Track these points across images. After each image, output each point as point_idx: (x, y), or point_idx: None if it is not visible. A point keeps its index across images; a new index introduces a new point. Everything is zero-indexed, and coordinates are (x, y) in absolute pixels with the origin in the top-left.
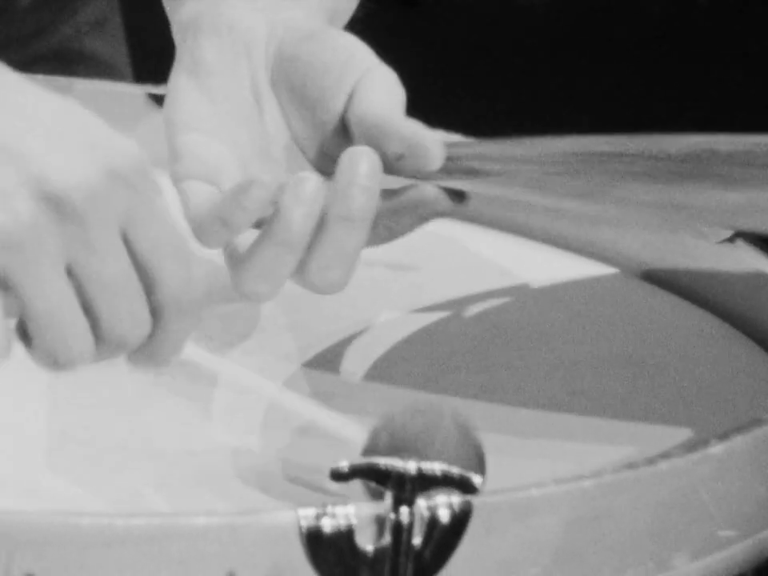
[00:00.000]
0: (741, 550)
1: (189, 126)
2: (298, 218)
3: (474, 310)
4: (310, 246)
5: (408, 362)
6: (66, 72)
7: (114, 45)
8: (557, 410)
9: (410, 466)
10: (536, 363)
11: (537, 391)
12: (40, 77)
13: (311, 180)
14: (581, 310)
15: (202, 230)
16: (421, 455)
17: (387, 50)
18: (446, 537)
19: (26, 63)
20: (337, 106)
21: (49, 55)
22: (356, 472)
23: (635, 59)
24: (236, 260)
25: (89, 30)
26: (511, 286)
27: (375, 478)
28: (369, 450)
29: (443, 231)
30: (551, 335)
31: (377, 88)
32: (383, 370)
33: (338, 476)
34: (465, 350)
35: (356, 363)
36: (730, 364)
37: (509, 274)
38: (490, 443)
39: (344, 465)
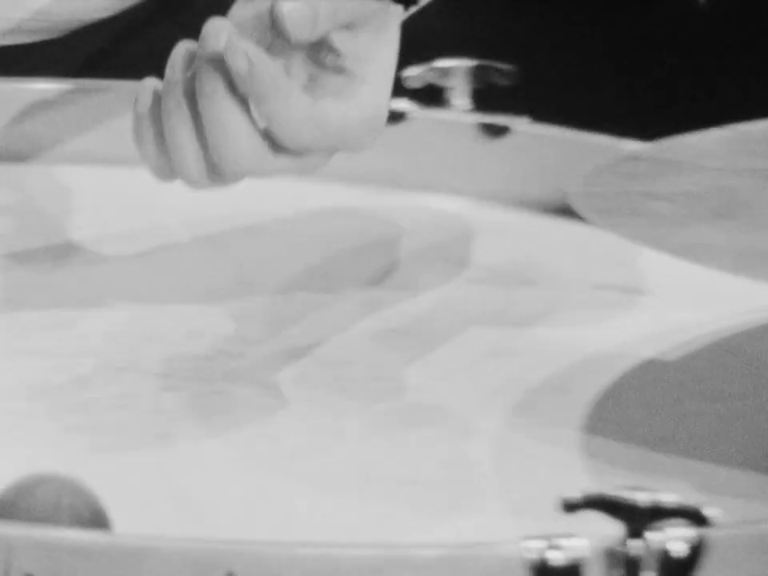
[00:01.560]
0: None
1: None
2: (167, 81)
3: (707, 339)
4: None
5: (635, 390)
6: None
7: None
8: None
9: (643, 498)
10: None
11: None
12: None
13: (179, 47)
14: None
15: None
16: (39, 519)
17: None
18: (679, 571)
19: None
20: None
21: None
22: (588, 503)
23: None
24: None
25: None
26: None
27: (607, 509)
28: None
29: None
30: None
31: None
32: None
33: (569, 506)
34: (688, 378)
35: (581, 386)
36: None
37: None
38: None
39: (576, 495)
